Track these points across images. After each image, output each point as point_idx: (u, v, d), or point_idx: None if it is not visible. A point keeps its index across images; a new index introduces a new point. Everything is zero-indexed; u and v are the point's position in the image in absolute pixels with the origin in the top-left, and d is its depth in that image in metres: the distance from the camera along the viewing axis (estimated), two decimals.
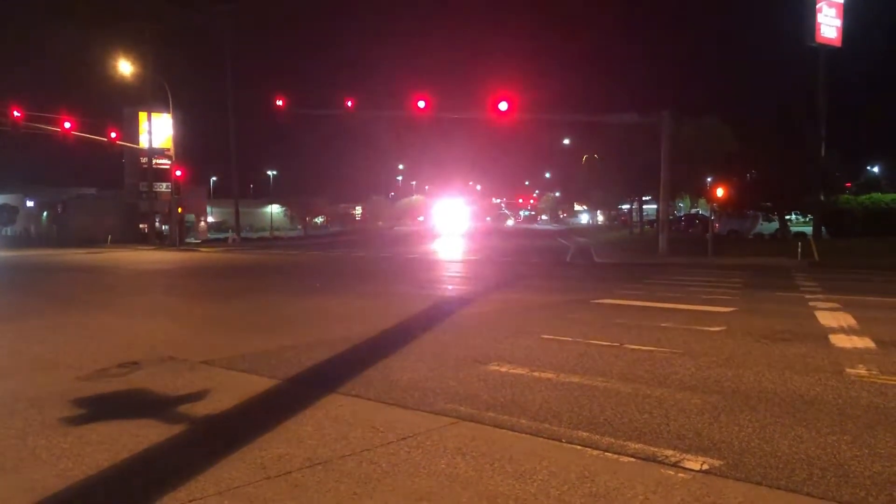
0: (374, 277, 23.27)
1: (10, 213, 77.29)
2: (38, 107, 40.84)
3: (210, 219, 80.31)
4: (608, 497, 4.38)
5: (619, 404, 6.47)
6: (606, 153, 50.02)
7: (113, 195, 69.71)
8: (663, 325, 11.06)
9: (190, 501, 4.34)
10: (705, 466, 4.88)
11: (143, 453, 5.29)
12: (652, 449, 5.24)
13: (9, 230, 76.53)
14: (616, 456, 5.12)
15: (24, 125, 37.77)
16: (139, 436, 5.64)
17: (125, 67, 48.65)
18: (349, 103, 31.00)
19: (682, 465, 4.92)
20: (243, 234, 62.24)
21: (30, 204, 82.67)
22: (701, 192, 46.31)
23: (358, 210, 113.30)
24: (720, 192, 31.25)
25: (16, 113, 36.78)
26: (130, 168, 63.00)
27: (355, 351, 9.46)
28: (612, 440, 5.45)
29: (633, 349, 9.07)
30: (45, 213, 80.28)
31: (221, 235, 65.77)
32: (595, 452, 5.19)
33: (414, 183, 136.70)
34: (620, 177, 47.94)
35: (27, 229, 79.14)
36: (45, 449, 5.38)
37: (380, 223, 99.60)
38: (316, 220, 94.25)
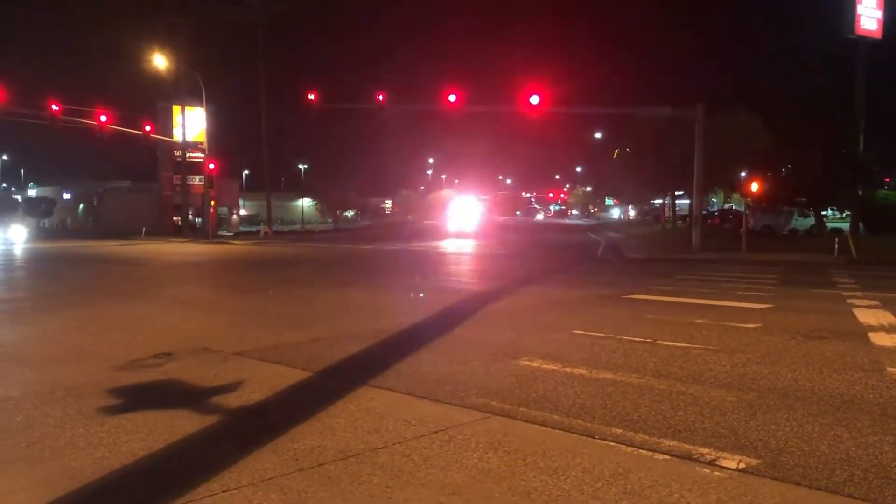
0: (404, 271, 23.30)
1: (48, 205, 78.75)
2: (74, 101, 41.60)
3: (242, 212, 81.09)
4: (643, 494, 4.32)
5: (653, 401, 6.39)
6: (638, 147, 49.53)
7: (147, 188, 70.62)
8: (697, 321, 10.93)
9: (224, 492, 4.37)
10: (742, 465, 4.80)
11: (178, 443, 5.34)
12: (687, 446, 5.17)
13: (46, 222, 77.94)
14: (650, 453, 5.06)
15: (61, 119, 38.36)
16: (174, 426, 5.69)
17: (159, 61, 49.18)
18: (380, 97, 31.03)
19: (718, 463, 4.85)
20: (275, 228, 62.71)
21: (66, 196, 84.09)
22: (735, 186, 45.66)
23: (388, 204, 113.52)
24: (754, 186, 30.78)
25: (54, 107, 37.38)
26: (164, 161, 63.71)
27: (386, 344, 9.48)
28: (647, 437, 5.39)
29: (666, 345, 8.97)
30: (81, 206, 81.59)
31: (253, 228, 66.33)
32: (629, 449, 5.14)
33: (444, 177, 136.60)
34: (652, 171, 47.51)
35: (64, 221, 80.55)
36: (82, 437, 5.46)
37: (409, 217, 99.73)
38: (346, 213, 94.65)
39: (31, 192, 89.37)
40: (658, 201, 71.74)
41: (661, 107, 32.86)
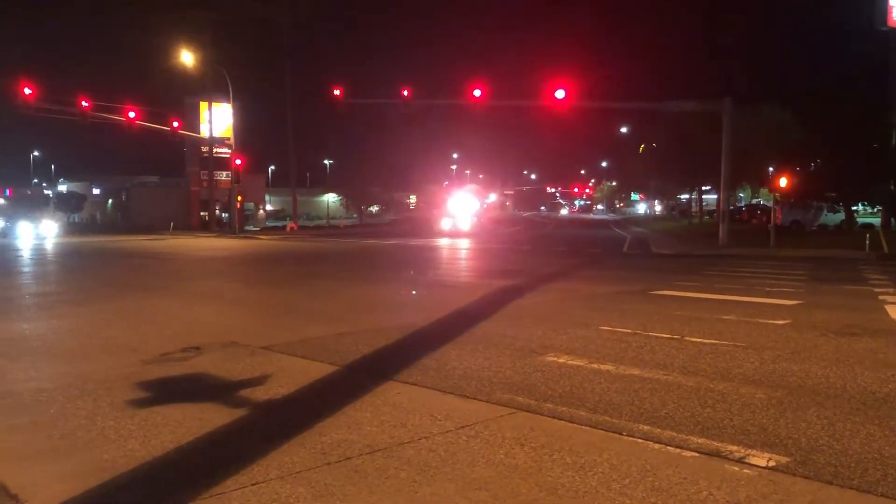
0: (428, 266, 23.34)
1: (78, 200, 79.83)
2: (104, 97, 42.09)
3: (268, 207, 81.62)
4: (671, 492, 4.29)
5: (680, 398, 6.34)
6: (665, 142, 49.16)
7: (174, 183, 71.42)
8: (725, 317, 10.82)
9: (253, 485, 4.41)
10: (772, 463, 4.74)
11: (207, 436, 5.39)
12: (715, 444, 5.12)
13: (76, 217, 79.03)
14: (678, 450, 5.02)
15: (91, 115, 38.92)
16: (202, 419, 5.76)
17: (186, 58, 49.64)
18: (405, 92, 31.07)
19: (747, 461, 4.80)
20: (301, 223, 63.09)
21: (96, 191, 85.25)
22: (763, 181, 45.19)
23: (412, 199, 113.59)
24: (783, 181, 30.40)
25: (84, 103, 37.92)
26: (191, 157, 64.37)
27: (411, 339, 9.50)
28: (674, 434, 5.35)
29: (693, 342, 8.89)
30: (110, 201, 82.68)
31: (279, 223, 66.77)
32: (657, 446, 5.10)
33: (468, 172, 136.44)
34: (679, 166, 47.14)
35: (93, 216, 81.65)
36: (113, 430, 5.53)
37: (434, 212, 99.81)
38: (371, 208, 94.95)
39: (62, 188, 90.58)
40: (684, 196, 71.12)
41: (688, 101, 32.55)
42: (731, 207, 40.04)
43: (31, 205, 65.15)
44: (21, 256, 29.26)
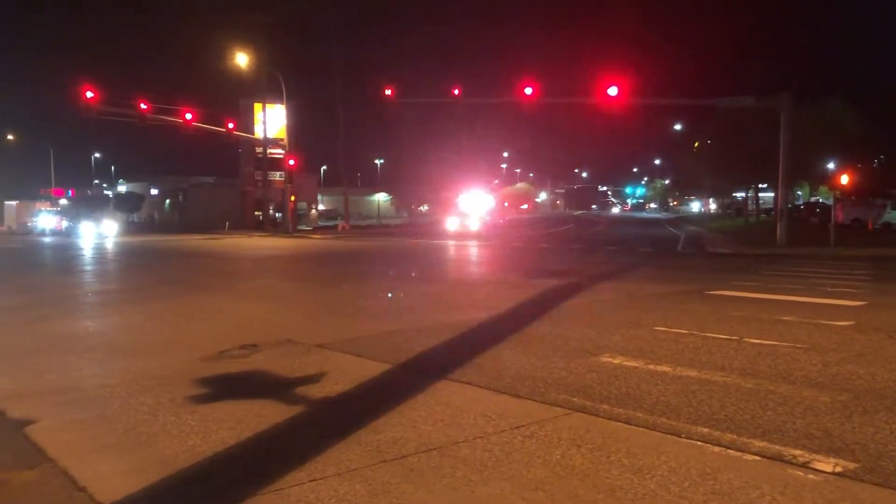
0: (479, 265, 23.32)
1: (137, 200, 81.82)
2: (161, 100, 43.09)
3: (320, 206, 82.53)
4: (732, 496, 4.20)
5: (740, 400, 6.21)
6: (720, 138, 48.15)
7: (229, 183, 72.71)
8: (785, 318, 10.55)
9: (311, 481, 4.45)
10: (838, 469, 4.60)
11: (265, 432, 5.47)
12: (777, 448, 5.00)
13: (135, 217, 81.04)
14: (739, 453, 4.91)
15: (149, 117, 39.88)
16: (261, 415, 5.84)
17: (241, 60, 50.47)
18: (456, 91, 31.08)
19: (811, 465, 4.67)
20: (352, 222, 63.68)
21: (154, 192, 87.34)
22: (822, 178, 43.93)
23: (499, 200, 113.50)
24: (844, 178, 29.50)
25: (142, 106, 38.88)
26: (246, 157, 65.45)
27: (463, 338, 9.50)
28: (735, 437, 5.24)
29: (753, 343, 8.69)
30: (167, 201, 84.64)
31: (331, 223, 67.49)
32: (716, 449, 5.00)
33: (518, 171, 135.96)
34: (735, 163, 46.12)
35: (151, 216, 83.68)
36: (174, 425, 5.65)
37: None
38: (421, 207, 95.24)
39: (121, 188, 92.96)
40: (740, 194, 69.65)
41: (745, 97, 31.81)
42: (790, 205, 39.05)
43: (92, 205, 66.96)
44: (83, 255, 30.15)
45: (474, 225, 46.83)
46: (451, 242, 35.99)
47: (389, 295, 14.62)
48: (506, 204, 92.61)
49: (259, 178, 60.76)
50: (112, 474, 4.64)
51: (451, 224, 48.41)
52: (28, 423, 5.76)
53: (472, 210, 50.50)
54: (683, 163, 73.51)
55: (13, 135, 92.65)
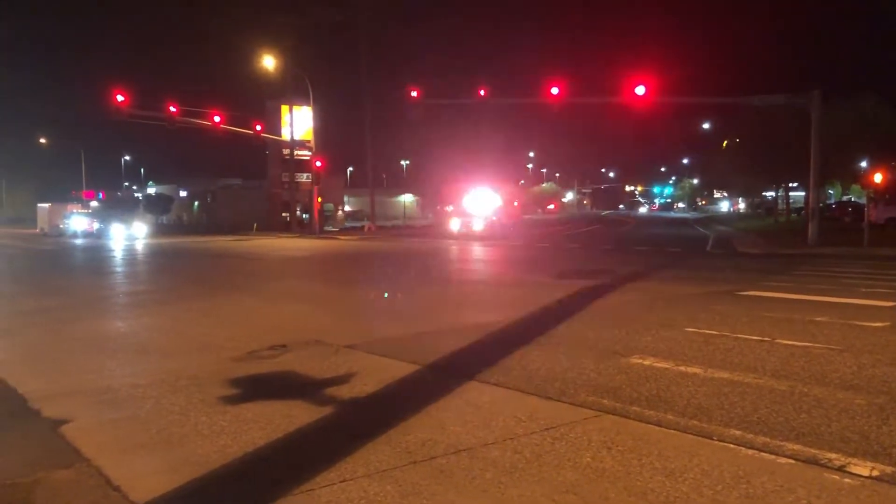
0: (505, 266, 23.27)
1: (166, 202, 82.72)
2: (190, 103, 43.60)
3: (347, 207, 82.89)
4: (766, 500, 4.15)
5: (773, 402, 6.12)
6: (749, 137, 47.59)
7: (257, 185, 73.22)
8: (818, 319, 10.39)
9: (341, 482, 4.47)
10: (875, 472, 4.52)
11: (296, 433, 5.50)
12: (812, 451, 4.92)
13: (164, 218, 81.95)
14: (773, 456, 4.84)
15: (178, 120, 40.32)
16: (290, 416, 5.87)
17: (268, 62, 50.83)
18: (482, 92, 31.04)
19: (848, 469, 4.59)
20: (378, 223, 63.85)
21: (182, 194, 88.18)
22: (855, 177, 43.25)
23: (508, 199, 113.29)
24: (878, 177, 28.96)
25: (171, 108, 39.34)
26: (273, 159, 65.86)
27: (491, 339, 9.48)
28: (768, 440, 5.17)
29: (785, 344, 8.57)
30: (196, 203, 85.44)
31: (358, 224, 67.70)
32: (750, 452, 4.94)
33: (544, 170, 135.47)
34: (764, 162, 45.53)
35: (180, 217, 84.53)
36: (206, 425, 5.70)
37: (507, 211, 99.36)
38: (447, 208, 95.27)
39: (151, 190, 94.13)
40: (770, 193, 68.79)
41: (775, 95, 31.39)
42: (821, 204, 38.47)
43: (122, 207, 67.83)
44: (114, 257, 30.55)
45: (478, 225, 44.52)
46: (456, 244, 35.94)
47: (416, 296, 14.63)
48: (516, 203, 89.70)
49: (286, 179, 61.12)
50: (145, 474, 4.69)
51: (453, 225, 46.32)
52: (63, 422, 5.84)
53: (478, 210, 47.35)
54: (712, 162, 72.83)
55: (45, 138, 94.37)
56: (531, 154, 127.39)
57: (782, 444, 5.08)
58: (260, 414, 5.96)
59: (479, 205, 47.35)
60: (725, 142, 61.75)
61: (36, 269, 24.97)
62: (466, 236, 41.90)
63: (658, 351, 8.30)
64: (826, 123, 29.61)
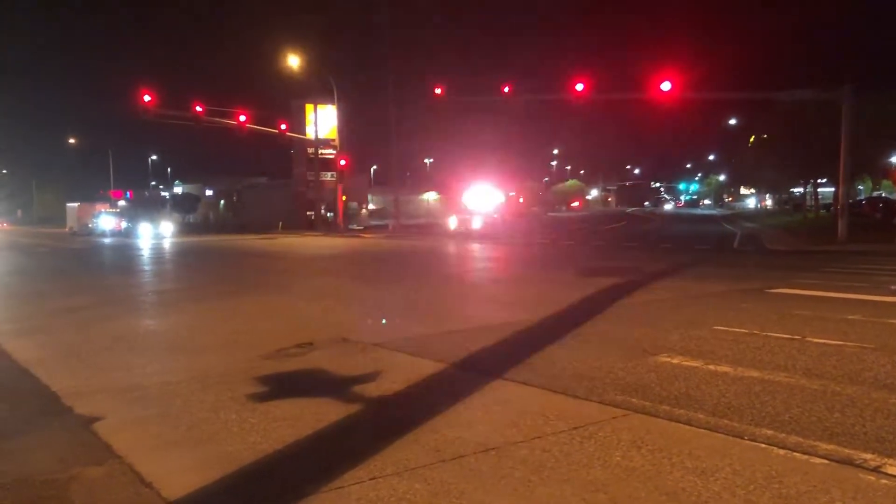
0: (531, 264, 23.21)
1: (193, 201, 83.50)
2: (215, 102, 43.96)
3: (371, 206, 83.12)
4: (800, 500, 4.10)
5: (805, 401, 6.04)
6: (778, 133, 46.95)
7: (282, 184, 73.63)
8: (850, 317, 10.23)
9: (371, 479, 4.48)
10: None
11: (324, 430, 5.52)
12: (846, 451, 4.85)
13: (191, 217, 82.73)
14: (806, 456, 4.78)
15: (204, 119, 40.68)
16: (319, 413, 5.90)
17: (293, 61, 51.07)
18: (506, 89, 30.96)
19: (883, 470, 4.52)
20: (402, 221, 63.95)
21: (209, 193, 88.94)
22: (886, 172, 42.55)
23: (512, 196, 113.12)
24: None
25: (198, 108, 39.69)
26: (298, 158, 66.23)
27: (518, 337, 9.45)
28: (800, 440, 5.10)
29: (817, 343, 8.45)
30: (222, 202, 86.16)
31: (381, 222, 67.87)
32: (782, 452, 4.87)
33: (569, 168, 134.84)
34: (793, 158, 44.93)
35: (207, 216, 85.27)
36: (235, 423, 5.75)
37: (534, 209, 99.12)
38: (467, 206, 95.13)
39: (177, 190, 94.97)
40: (798, 190, 67.89)
41: (803, 90, 30.96)
42: (851, 201, 37.89)
43: (150, 206, 68.62)
44: (142, 255, 30.93)
45: (477, 223, 42.75)
46: (478, 243, 35.87)
47: (441, 294, 14.64)
48: (521, 199, 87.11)
49: (311, 178, 61.44)
50: (177, 471, 4.74)
51: (452, 223, 44.14)
52: (95, 419, 5.92)
53: (478, 207, 45.23)
54: (739, 158, 72.03)
55: (74, 139, 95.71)
56: (555, 151, 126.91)
57: (815, 443, 5.01)
58: (289, 411, 6.00)
59: (478, 201, 45.32)
60: (753, 137, 61.04)
61: (66, 269, 25.34)
62: (465, 235, 39.84)
63: (687, 349, 8.23)
64: (856, 118, 29.15)
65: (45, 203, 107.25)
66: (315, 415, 5.86)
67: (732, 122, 71.42)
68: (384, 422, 5.81)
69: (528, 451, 4.96)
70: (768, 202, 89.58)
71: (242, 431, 5.53)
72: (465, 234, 42.55)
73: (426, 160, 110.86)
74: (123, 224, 54.64)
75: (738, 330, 9.36)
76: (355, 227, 60.83)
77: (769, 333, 9.06)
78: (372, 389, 6.73)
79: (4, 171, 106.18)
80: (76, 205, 72.58)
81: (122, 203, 75.42)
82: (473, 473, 4.59)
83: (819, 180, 54.39)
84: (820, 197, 58.48)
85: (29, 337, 10.15)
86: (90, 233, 56.84)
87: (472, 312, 12.00)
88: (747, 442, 5.11)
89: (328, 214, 59.71)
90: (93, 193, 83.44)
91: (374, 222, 70.03)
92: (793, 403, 6.00)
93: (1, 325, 11.09)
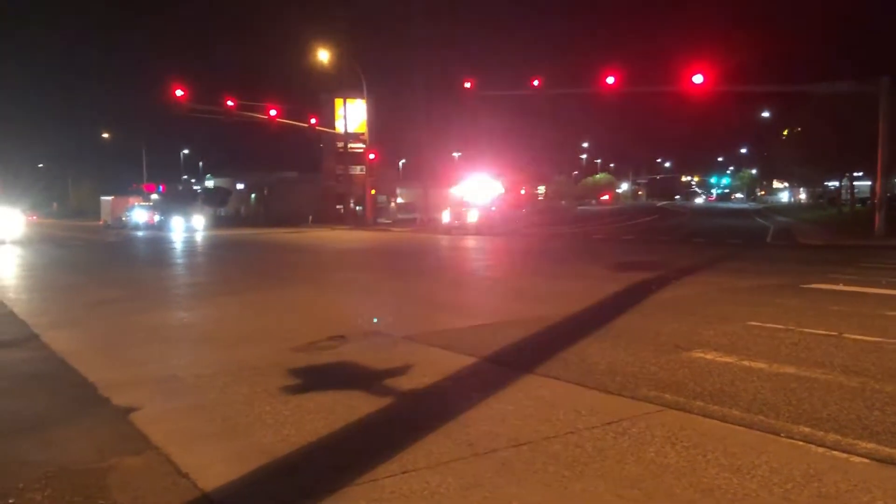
0: (561, 258, 23.09)
1: (224, 195, 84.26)
2: (246, 96, 44.30)
3: (399, 199, 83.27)
4: (840, 499, 4.03)
5: (843, 399, 5.94)
6: (812, 126, 46.18)
7: (312, 178, 74.03)
8: (889, 313, 10.05)
9: (403, 473, 4.49)
10: None
11: (356, 423, 5.55)
12: (887, 450, 4.76)
13: (222, 211, 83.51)
14: (845, 455, 4.70)
15: (235, 114, 41.06)
16: (351, 406, 5.92)
17: (322, 56, 51.25)
18: (536, 82, 30.82)
19: None
20: (430, 215, 63.95)
21: (240, 186, 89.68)
22: None
23: (541, 189, 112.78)
24: None
25: (229, 103, 40.06)
26: (328, 152, 66.60)
27: (549, 332, 9.41)
28: (839, 437, 5.01)
29: (854, 339, 8.31)
30: (253, 195, 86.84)
31: (410, 216, 67.98)
32: (820, 450, 4.80)
33: (599, 161, 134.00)
34: (828, 151, 44.18)
35: (238, 210, 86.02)
36: (269, 415, 5.79)
37: (563, 202, 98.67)
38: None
39: (209, 183, 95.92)
40: (833, 183, 66.76)
41: (839, 82, 30.43)
42: (889, 194, 37.15)
43: (182, 200, 69.20)
44: (175, 248, 31.30)
45: (472, 217, 39.09)
46: (539, 233, 35.71)
47: (471, 288, 14.63)
48: (522, 190, 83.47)
49: (340, 172, 61.78)
50: (212, 462, 4.78)
51: (444, 217, 40.70)
52: (132, 410, 6.00)
53: (474, 199, 41.19)
54: (772, 151, 71.05)
55: (108, 133, 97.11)
56: (585, 144, 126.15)
57: (854, 442, 4.93)
58: (321, 404, 6.03)
59: (475, 194, 41.28)
60: (787, 130, 60.12)
61: (100, 261, 25.74)
62: (459, 230, 36.92)
63: (720, 345, 8.14)
64: (895, 110, 28.57)
65: (80, 196, 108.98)
66: (347, 407, 5.89)
67: (765, 114, 70.41)
68: (416, 415, 5.82)
69: (562, 447, 4.94)
70: (802, 196, 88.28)
71: (276, 423, 5.57)
72: (489, 226, 42.35)
73: (455, 154, 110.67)
74: (156, 217, 55.27)
75: (772, 326, 9.23)
76: (384, 220, 61.00)
77: (805, 329, 8.92)
78: (403, 383, 6.74)
79: (41, 166, 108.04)
80: (110, 198, 73.69)
81: (154, 196, 76.28)
82: (506, 468, 4.58)
83: (855, 174, 53.44)
84: (856, 191, 57.46)
85: (66, 329, 10.31)
86: (123, 226, 57.65)
87: (501, 306, 11.97)
88: (784, 439, 5.04)
89: (357, 208, 60.01)
90: (126, 187, 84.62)
91: (402, 216, 70.17)
92: (830, 401, 5.90)
93: (38, 317, 11.28)
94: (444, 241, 33.23)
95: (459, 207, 39.77)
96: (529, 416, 5.61)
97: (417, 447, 4.94)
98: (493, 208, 40.96)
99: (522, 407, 5.87)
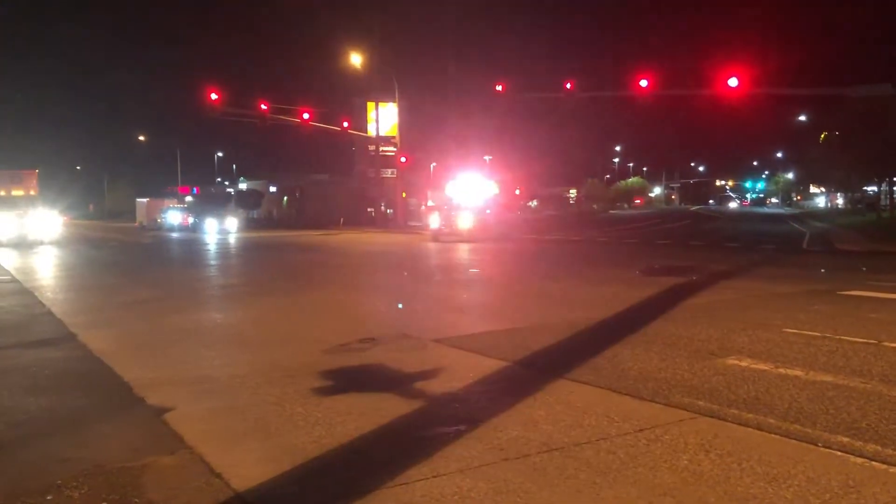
0: (592, 262, 22.94)
1: (256, 198, 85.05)
2: (279, 101, 44.72)
3: (430, 203, 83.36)
4: None
5: (883, 408, 5.81)
6: (850, 129, 45.39)
7: (343, 181, 74.57)
8: None
9: (434, 477, 4.48)
10: None
11: (387, 426, 5.56)
12: None
13: (255, 213, 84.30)
14: (885, 466, 4.59)
15: (269, 117, 41.45)
16: (382, 409, 5.94)
17: (355, 59, 51.56)
18: (569, 85, 30.69)
19: None
20: None
21: (272, 189, 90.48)
22: None
23: (572, 193, 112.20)
24: None
25: (262, 106, 40.47)
26: (359, 155, 67.05)
27: (581, 336, 9.35)
28: (879, 448, 4.91)
29: (894, 348, 8.13)
30: (285, 198, 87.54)
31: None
32: (859, 460, 4.70)
33: (631, 165, 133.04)
34: (867, 155, 43.41)
35: (270, 212, 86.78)
36: (301, 416, 5.83)
37: (594, 206, 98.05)
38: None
39: (242, 186, 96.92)
40: (872, 188, 65.54)
41: (881, 84, 29.86)
42: None
43: (215, 202, 69.95)
44: (208, 250, 31.68)
45: (464, 222, 33.81)
46: (564, 237, 35.52)
47: (501, 291, 14.59)
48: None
49: (372, 175, 62.04)
50: (245, 462, 4.82)
51: (432, 221, 36.45)
52: (166, 409, 6.08)
53: (465, 201, 35.86)
54: (808, 156, 69.94)
55: (144, 136, 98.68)
56: (618, 148, 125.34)
57: (895, 453, 4.82)
58: (352, 406, 6.06)
59: (466, 195, 36.58)
60: (824, 134, 59.14)
61: (136, 262, 26.15)
62: (448, 236, 33.72)
63: (755, 352, 8.01)
64: None
65: (116, 198, 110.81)
66: (378, 410, 5.90)
67: (802, 118, 69.31)
68: (447, 419, 5.81)
69: (594, 453, 4.90)
70: (839, 201, 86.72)
71: (308, 425, 5.60)
72: (520, 229, 42.15)
73: (486, 157, 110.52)
74: (190, 219, 55.94)
75: (809, 332, 9.07)
76: (414, 223, 61.13)
77: (842, 337, 8.75)
78: (434, 386, 6.75)
79: (78, 168, 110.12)
80: (145, 200, 74.79)
81: (188, 199, 77.24)
82: (538, 473, 4.55)
83: (895, 178, 52.39)
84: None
85: (101, 328, 10.48)
86: (158, 228, 58.49)
87: (532, 310, 11.92)
88: (822, 449, 4.94)
89: (388, 211, 60.19)
90: (161, 189, 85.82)
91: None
92: (870, 410, 5.78)
93: (75, 316, 11.48)
94: (475, 243, 33.12)
95: (449, 210, 35.11)
96: (560, 422, 5.57)
97: (448, 451, 4.94)
98: (488, 211, 36.19)
99: (554, 412, 5.84)
